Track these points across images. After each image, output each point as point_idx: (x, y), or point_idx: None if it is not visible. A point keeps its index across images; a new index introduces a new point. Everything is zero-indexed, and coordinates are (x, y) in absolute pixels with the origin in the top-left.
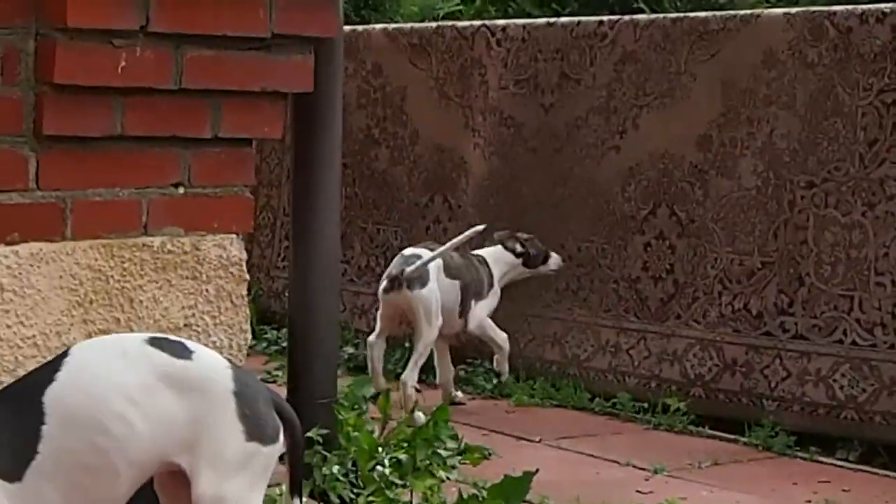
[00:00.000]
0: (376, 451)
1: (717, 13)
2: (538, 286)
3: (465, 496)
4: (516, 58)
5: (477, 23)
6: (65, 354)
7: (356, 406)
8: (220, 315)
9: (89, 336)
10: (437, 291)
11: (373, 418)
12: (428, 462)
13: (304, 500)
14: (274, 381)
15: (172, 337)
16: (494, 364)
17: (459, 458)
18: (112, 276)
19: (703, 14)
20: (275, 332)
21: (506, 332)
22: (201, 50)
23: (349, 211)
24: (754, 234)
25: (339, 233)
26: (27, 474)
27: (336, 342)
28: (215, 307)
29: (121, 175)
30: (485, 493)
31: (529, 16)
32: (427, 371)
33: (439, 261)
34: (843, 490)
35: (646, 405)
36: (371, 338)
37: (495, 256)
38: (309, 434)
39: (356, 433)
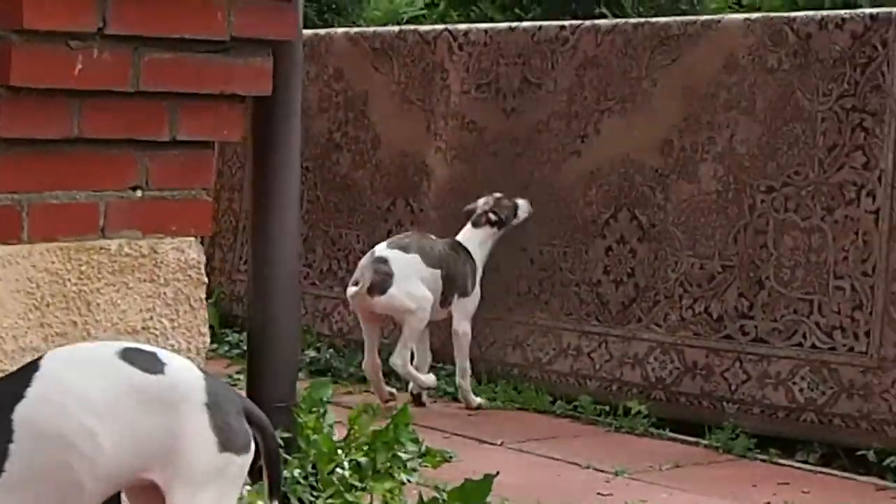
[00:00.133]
0: (336, 453)
1: (679, 18)
2: (500, 290)
3: (425, 499)
4: (478, 62)
5: (439, 27)
6: (35, 367)
7: (314, 409)
8: (178, 318)
9: (46, 339)
10: (405, 291)
11: (337, 422)
12: (388, 465)
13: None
14: (236, 385)
15: (146, 347)
16: (459, 394)
17: (420, 460)
18: (69, 280)
19: (664, 19)
20: (236, 335)
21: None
22: (159, 52)
23: (311, 215)
24: (715, 238)
25: (299, 236)
26: None
27: (296, 345)
28: (173, 310)
29: (78, 178)
30: (445, 496)
31: (492, 20)
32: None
33: (414, 258)
34: (803, 492)
35: (607, 408)
36: (364, 363)
37: (475, 241)
38: None
39: (316, 436)
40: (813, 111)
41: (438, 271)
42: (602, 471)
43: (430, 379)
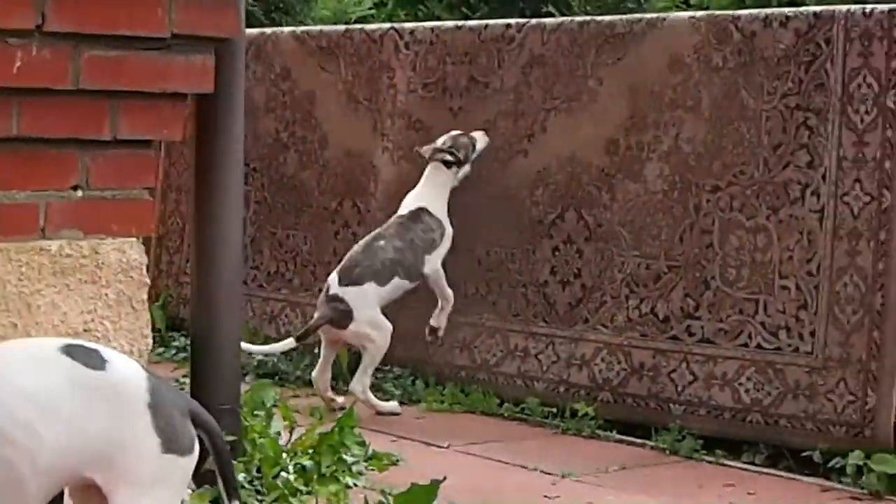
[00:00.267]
0: (281, 457)
1: (624, 17)
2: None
3: (371, 503)
4: (425, 61)
5: (385, 26)
6: None
7: (256, 412)
8: (120, 320)
9: None
10: (367, 320)
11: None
12: (333, 468)
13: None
14: (183, 389)
15: (89, 344)
16: (432, 319)
17: (367, 464)
18: (9, 281)
19: (609, 18)
20: (184, 339)
21: (416, 337)
22: (99, 50)
23: (258, 216)
24: (661, 238)
25: (243, 237)
26: None
27: (239, 348)
28: (115, 312)
29: (17, 177)
30: (391, 500)
31: (439, 19)
32: (340, 377)
33: (368, 287)
34: (749, 493)
35: (554, 410)
36: (314, 374)
37: (433, 193)
38: None
39: (262, 439)
40: (758, 110)
41: (396, 279)
42: (549, 473)
43: (392, 406)
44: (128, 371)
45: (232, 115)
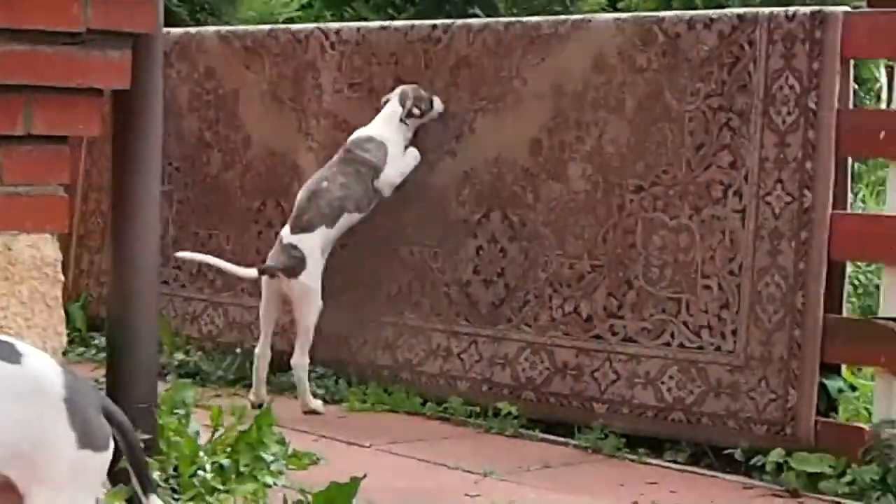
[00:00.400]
0: (198, 455)
1: (549, 18)
2: (370, 291)
3: (290, 502)
4: (350, 61)
5: (311, 26)
6: None
7: (176, 411)
8: (33, 317)
9: None
10: (315, 273)
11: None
12: (251, 467)
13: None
14: (101, 388)
15: (3, 337)
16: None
17: (286, 463)
18: None
19: (535, 19)
20: (104, 338)
21: (339, 337)
22: (13, 44)
23: (181, 216)
24: (584, 238)
25: (159, 235)
26: None
27: (156, 346)
28: (28, 309)
29: None
30: (310, 499)
31: (366, 21)
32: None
33: (320, 232)
34: (671, 492)
35: (478, 409)
36: (258, 348)
37: (391, 132)
38: None
39: (178, 438)
40: (681, 111)
41: (345, 215)
42: (471, 472)
43: (317, 404)
44: (43, 366)
45: (150, 111)
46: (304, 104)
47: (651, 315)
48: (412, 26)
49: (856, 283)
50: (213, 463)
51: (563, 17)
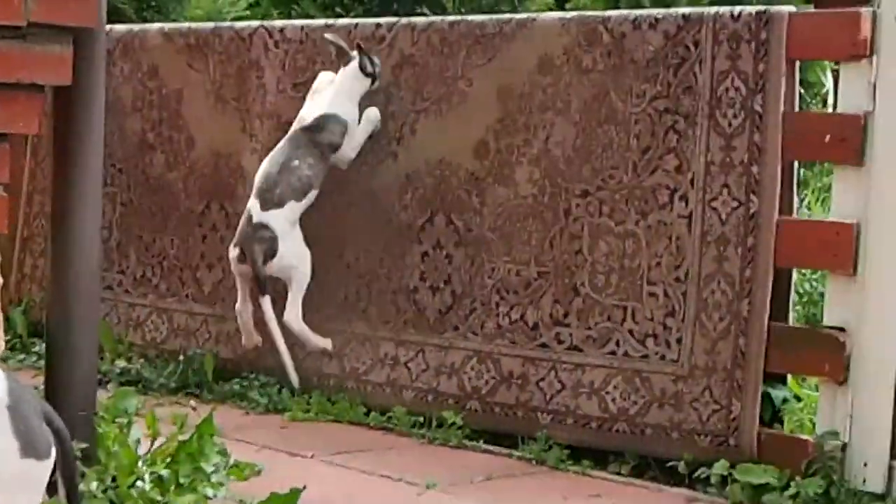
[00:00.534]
0: (137, 466)
1: (494, 17)
2: (317, 299)
3: None
4: (294, 60)
5: (255, 24)
6: None
7: (117, 419)
8: None
9: None
10: (291, 250)
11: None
12: (191, 478)
13: None
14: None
15: None
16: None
17: (227, 473)
18: None
19: (480, 18)
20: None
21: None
22: None
23: (125, 219)
24: (531, 244)
25: (101, 239)
26: None
27: (96, 353)
28: None
29: None
30: None
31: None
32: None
33: (289, 206)
34: None
35: (422, 419)
36: (237, 306)
37: (351, 106)
38: None
39: (116, 448)
40: (627, 113)
41: (311, 192)
42: (414, 483)
43: (326, 342)
44: None
45: (91, 110)
46: (248, 104)
47: (597, 323)
48: (356, 24)
49: (801, 290)
50: (152, 473)
51: (507, 16)
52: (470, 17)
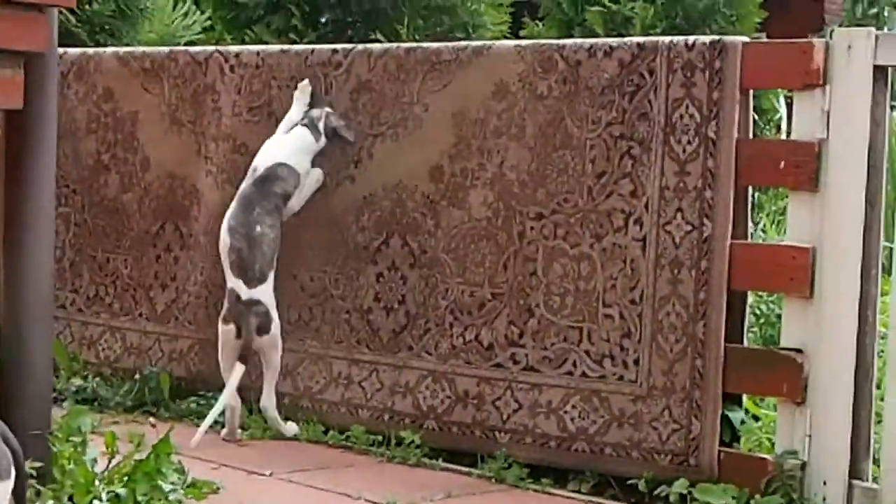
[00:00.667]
0: (93, 484)
1: (450, 44)
2: None
3: None
4: (250, 84)
5: (210, 48)
6: None
7: (72, 438)
8: None
9: None
10: (277, 324)
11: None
12: (148, 497)
13: None
14: None
15: None
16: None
17: (184, 492)
18: None
19: (436, 45)
20: None
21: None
22: None
23: (78, 239)
24: (485, 266)
25: (55, 258)
26: None
27: (50, 371)
28: None
29: None
30: None
31: (266, 44)
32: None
33: (270, 280)
34: None
35: (380, 438)
36: (227, 399)
37: (303, 159)
38: None
39: (72, 466)
40: (582, 138)
41: (276, 251)
42: (373, 501)
43: (293, 428)
44: None
45: (43, 132)
46: (204, 127)
47: (553, 344)
48: (312, 50)
49: (757, 312)
50: (109, 492)
51: (464, 43)
52: (426, 44)
